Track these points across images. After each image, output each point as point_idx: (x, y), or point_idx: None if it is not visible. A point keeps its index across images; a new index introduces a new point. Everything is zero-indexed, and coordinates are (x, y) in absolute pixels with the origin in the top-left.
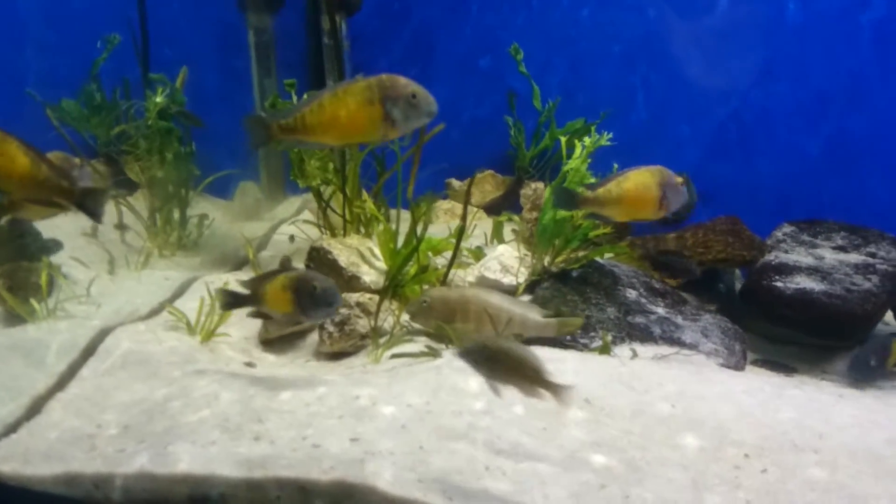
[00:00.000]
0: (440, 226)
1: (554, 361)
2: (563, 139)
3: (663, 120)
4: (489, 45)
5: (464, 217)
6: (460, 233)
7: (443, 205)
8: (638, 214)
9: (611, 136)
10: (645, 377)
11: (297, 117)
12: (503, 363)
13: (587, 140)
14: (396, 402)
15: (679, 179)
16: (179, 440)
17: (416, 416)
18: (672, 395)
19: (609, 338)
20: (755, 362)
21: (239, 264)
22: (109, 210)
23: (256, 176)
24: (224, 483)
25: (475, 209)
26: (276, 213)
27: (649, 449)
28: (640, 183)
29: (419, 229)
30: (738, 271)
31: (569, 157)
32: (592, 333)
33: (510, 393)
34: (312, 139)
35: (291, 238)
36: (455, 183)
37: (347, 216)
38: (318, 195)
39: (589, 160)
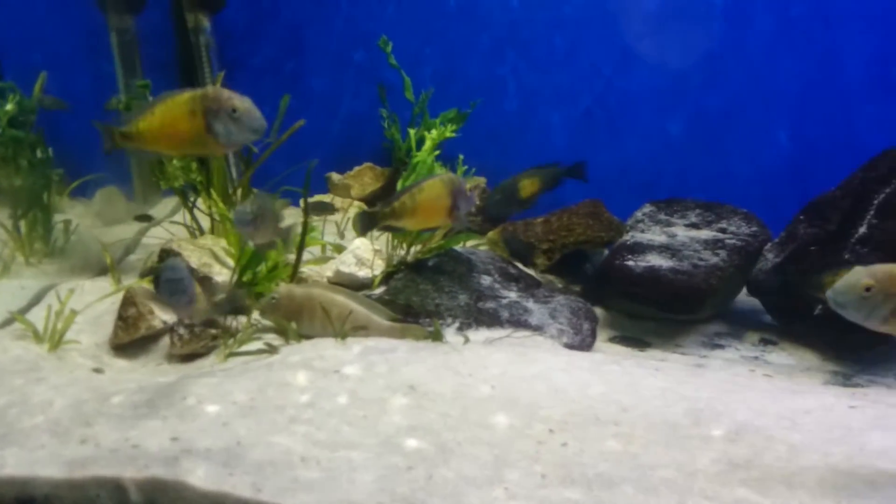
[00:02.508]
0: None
1: (384, 351)
2: (412, 132)
3: (534, 107)
4: (361, 37)
5: (305, 212)
6: (304, 228)
7: (322, 199)
8: (430, 223)
9: (455, 128)
10: (472, 361)
11: (133, 125)
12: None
13: (434, 132)
14: (222, 401)
15: (468, 186)
16: (10, 445)
17: (240, 412)
18: (494, 377)
19: (440, 325)
20: (613, 339)
21: (104, 270)
22: None
23: (128, 178)
24: (47, 484)
25: (352, 202)
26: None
27: (462, 430)
28: (432, 193)
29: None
30: (606, 251)
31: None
32: (440, 321)
33: (334, 385)
34: (149, 147)
35: None
36: (335, 177)
37: (216, 216)
38: (183, 196)
39: (437, 151)
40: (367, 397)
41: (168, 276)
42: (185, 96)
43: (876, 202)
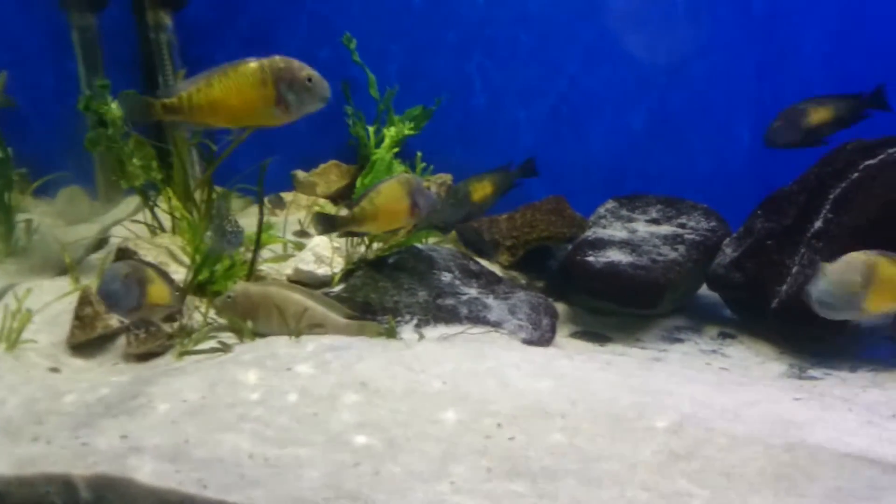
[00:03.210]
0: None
1: (338, 349)
2: (371, 129)
3: (500, 105)
4: (326, 35)
5: (260, 210)
6: (259, 226)
7: (286, 196)
8: (392, 225)
9: (413, 126)
10: (425, 358)
11: (182, 96)
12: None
13: (393, 130)
14: (173, 399)
15: (426, 184)
16: None
17: (190, 410)
18: (446, 373)
19: (399, 322)
20: (574, 334)
21: (64, 269)
22: None
23: (92, 177)
24: None
25: (315, 199)
26: (111, 215)
27: (412, 426)
28: (391, 196)
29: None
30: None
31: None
32: (398, 318)
33: (286, 383)
34: (199, 120)
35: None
36: (300, 174)
37: (178, 214)
38: (143, 195)
39: (396, 149)
40: (318, 394)
41: (103, 289)
42: (252, 66)
43: (832, 196)
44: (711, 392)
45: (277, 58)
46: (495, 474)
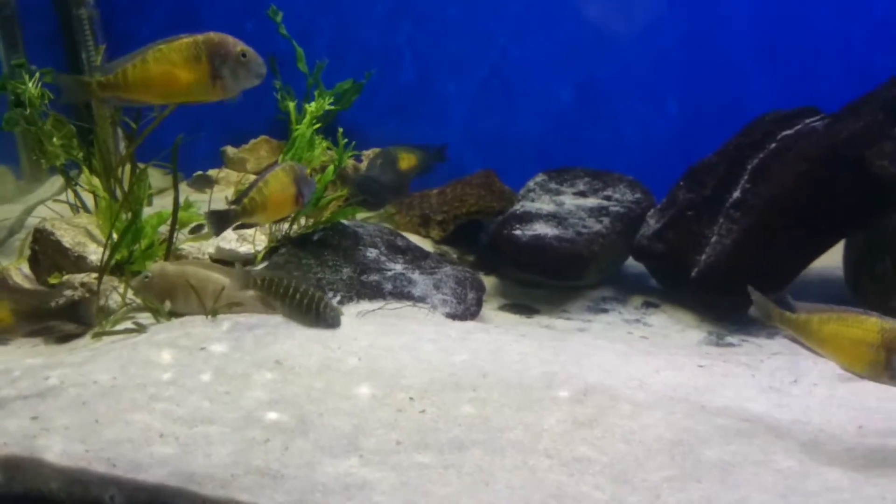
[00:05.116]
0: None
1: (254, 327)
2: (291, 105)
3: (430, 78)
4: (252, 7)
5: (175, 187)
6: (175, 203)
7: (215, 173)
8: (280, 214)
9: (332, 100)
10: (342, 334)
11: (118, 73)
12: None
13: (313, 105)
14: (84, 380)
15: (308, 171)
16: None
17: (100, 392)
18: (362, 349)
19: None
20: (503, 307)
21: None
22: None
23: (16, 157)
24: None
25: (246, 175)
26: (36, 195)
27: (325, 402)
28: (279, 185)
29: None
30: None
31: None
32: None
33: (199, 362)
34: (135, 97)
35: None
36: (230, 150)
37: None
38: (66, 175)
39: (317, 124)
40: (231, 373)
41: None
42: (186, 41)
43: (750, 167)
44: (619, 361)
45: (211, 34)
46: (404, 447)
